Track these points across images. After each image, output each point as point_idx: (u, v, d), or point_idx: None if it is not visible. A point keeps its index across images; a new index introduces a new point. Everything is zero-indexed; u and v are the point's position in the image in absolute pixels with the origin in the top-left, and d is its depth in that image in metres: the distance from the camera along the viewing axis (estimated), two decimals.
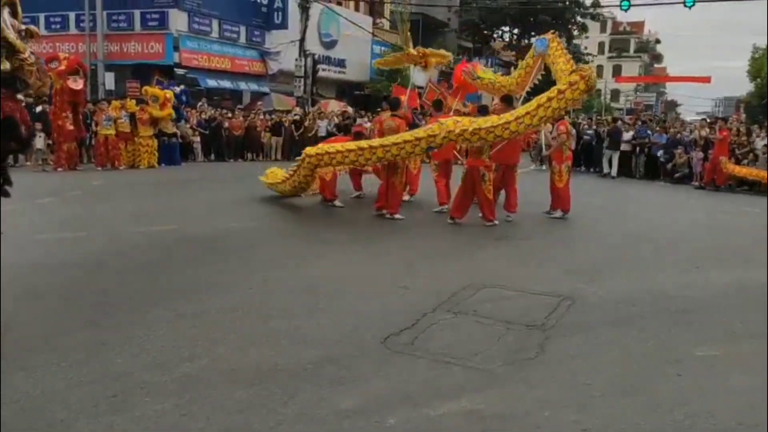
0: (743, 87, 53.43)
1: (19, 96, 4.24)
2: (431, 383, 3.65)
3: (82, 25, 23.64)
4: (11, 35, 3.60)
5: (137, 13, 23.42)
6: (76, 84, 14.20)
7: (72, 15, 24.13)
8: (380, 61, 16.01)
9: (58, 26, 24.37)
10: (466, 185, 9.12)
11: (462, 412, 3.32)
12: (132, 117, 15.58)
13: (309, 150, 9.09)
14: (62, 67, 14.07)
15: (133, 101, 16.19)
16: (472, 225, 9.01)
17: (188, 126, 17.99)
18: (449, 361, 3.96)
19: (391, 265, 6.61)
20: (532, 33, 36.20)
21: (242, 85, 26.12)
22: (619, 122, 20.41)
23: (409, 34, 13.20)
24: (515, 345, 4.32)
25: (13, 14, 3.73)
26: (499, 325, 4.67)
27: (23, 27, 3.85)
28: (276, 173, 10.48)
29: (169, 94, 16.28)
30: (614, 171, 18.40)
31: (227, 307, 4.86)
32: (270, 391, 3.46)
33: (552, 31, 11.14)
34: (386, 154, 8.65)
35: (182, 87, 18.04)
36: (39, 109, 14.82)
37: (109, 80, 22.19)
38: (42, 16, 24.07)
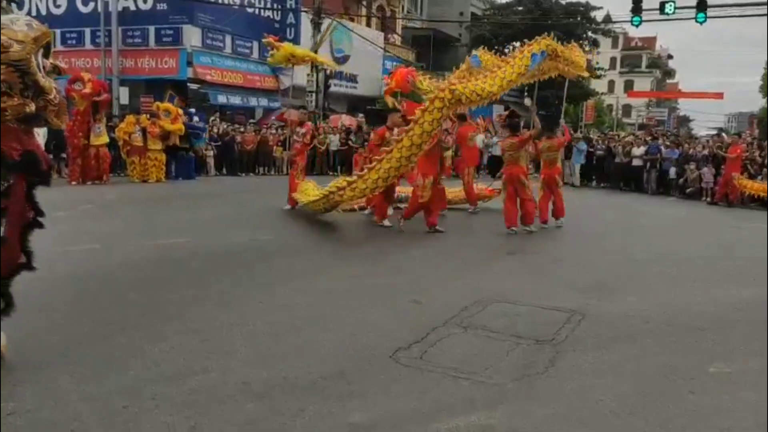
0: (756, 103, 53.18)
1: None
2: (441, 398, 3.65)
3: (97, 40, 23.96)
4: (41, 79, 3.66)
5: (152, 29, 23.69)
6: (101, 97, 14.78)
7: (87, 31, 24.46)
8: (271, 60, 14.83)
9: (74, 42, 24.69)
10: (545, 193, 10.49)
11: (472, 426, 3.31)
12: (144, 131, 15.74)
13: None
14: (87, 90, 14.33)
15: (146, 116, 16.37)
16: (483, 239, 9.02)
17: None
18: (459, 375, 3.95)
19: (401, 279, 6.61)
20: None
21: (254, 100, 26.31)
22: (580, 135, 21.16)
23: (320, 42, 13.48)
24: (525, 360, 4.30)
25: (46, 53, 3.80)
26: (509, 340, 4.66)
27: (52, 60, 3.92)
28: (310, 189, 10.47)
29: (179, 110, 16.44)
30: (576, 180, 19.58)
31: (238, 320, 4.88)
32: (280, 404, 3.47)
33: (482, 46, 12.05)
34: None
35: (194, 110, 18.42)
36: (62, 127, 14.99)
37: (123, 95, 22.46)
38: (58, 32, 24.36)
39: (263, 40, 12.34)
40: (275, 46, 11.41)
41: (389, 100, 12.53)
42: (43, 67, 3.74)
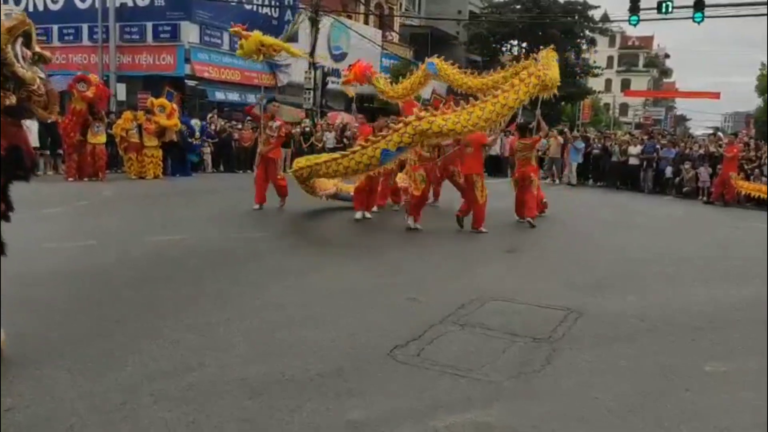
0: (753, 102, 53.29)
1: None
2: (438, 395, 3.65)
3: (95, 36, 23.91)
4: (21, 70, 3.58)
5: (149, 25, 23.65)
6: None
7: (85, 27, 24.40)
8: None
9: (71, 38, 24.63)
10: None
11: (469, 424, 3.32)
12: (140, 128, 15.71)
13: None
14: (88, 93, 14.31)
15: (143, 112, 16.34)
16: (481, 237, 9.03)
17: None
18: (456, 372, 3.96)
19: (399, 277, 6.61)
20: (540, 47, 36.21)
21: (251, 97, 26.27)
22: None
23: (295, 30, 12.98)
24: (522, 358, 4.31)
25: (27, 42, 3.70)
26: (505, 338, 4.67)
27: (37, 49, 3.84)
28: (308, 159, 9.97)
29: (175, 105, 16.42)
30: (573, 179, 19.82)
31: (235, 317, 4.89)
32: (277, 401, 3.47)
33: (437, 55, 12.57)
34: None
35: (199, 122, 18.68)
36: (51, 119, 14.93)
37: (120, 91, 22.41)
38: (55, 28, 24.38)
39: (230, 29, 11.45)
40: (243, 36, 10.78)
41: (348, 91, 12.73)
42: (23, 57, 3.65)
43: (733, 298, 6.30)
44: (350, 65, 13.10)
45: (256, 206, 10.75)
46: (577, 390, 3.84)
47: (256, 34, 10.87)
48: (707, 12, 20.43)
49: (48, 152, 15.53)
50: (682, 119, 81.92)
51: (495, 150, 18.21)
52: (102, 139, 14.93)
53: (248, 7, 26.19)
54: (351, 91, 13.18)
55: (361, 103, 31.11)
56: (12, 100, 3.57)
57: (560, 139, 20.32)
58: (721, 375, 4.24)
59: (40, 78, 3.79)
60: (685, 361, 4.42)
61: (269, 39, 11.41)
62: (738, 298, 6.30)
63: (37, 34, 3.93)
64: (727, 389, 3.98)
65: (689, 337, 5.01)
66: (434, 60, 12.29)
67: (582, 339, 4.77)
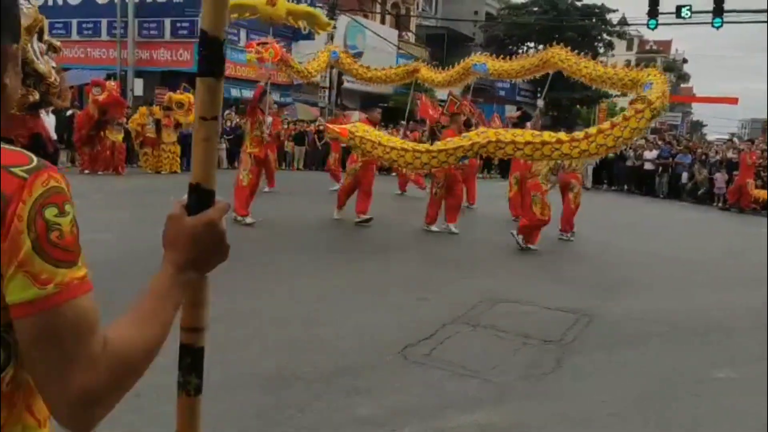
0: None
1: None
2: (447, 394, 3.68)
3: (113, 31, 24.10)
4: (41, 66, 3.65)
5: (167, 21, 23.79)
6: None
7: (104, 21, 24.59)
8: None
9: (90, 32, 24.83)
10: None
11: (477, 424, 3.34)
12: (158, 123, 15.86)
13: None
14: (100, 98, 14.43)
15: (159, 107, 16.49)
16: (492, 239, 9.02)
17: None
18: (466, 373, 3.99)
19: (410, 277, 6.64)
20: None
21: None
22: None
23: None
24: (532, 359, 4.33)
25: (39, 36, 3.77)
26: (516, 339, 4.69)
27: (51, 40, 3.91)
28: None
29: (192, 98, 16.59)
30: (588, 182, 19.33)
31: (247, 313, 4.93)
32: (288, 397, 3.51)
33: (342, 50, 13.97)
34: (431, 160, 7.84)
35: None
36: (69, 112, 15.10)
37: (138, 87, 22.59)
38: (74, 22, 24.57)
39: None
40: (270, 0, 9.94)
41: (255, 68, 12.72)
42: (40, 52, 3.72)
43: (743, 304, 6.28)
44: (260, 41, 12.32)
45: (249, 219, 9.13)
46: (584, 393, 3.85)
47: (282, 1, 10.53)
48: (726, 17, 20.26)
49: (64, 146, 15.71)
50: (698, 125, 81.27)
51: None
52: (120, 137, 15.22)
53: None
54: (262, 72, 12.25)
55: (375, 103, 31.19)
56: (35, 96, 3.65)
57: None
58: (728, 380, 4.24)
59: (53, 67, 3.87)
60: (693, 366, 4.43)
61: (296, 6, 11.65)
62: (747, 304, 6.28)
63: (56, 28, 4.03)
64: (733, 395, 3.99)
65: (697, 342, 5.02)
66: (337, 49, 13.63)
67: (592, 342, 4.77)
